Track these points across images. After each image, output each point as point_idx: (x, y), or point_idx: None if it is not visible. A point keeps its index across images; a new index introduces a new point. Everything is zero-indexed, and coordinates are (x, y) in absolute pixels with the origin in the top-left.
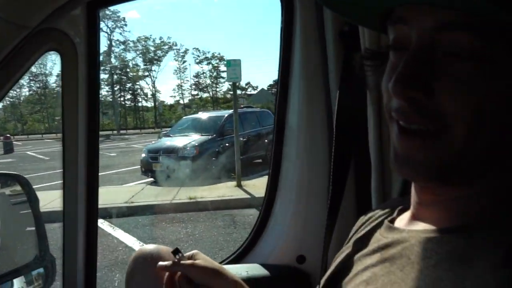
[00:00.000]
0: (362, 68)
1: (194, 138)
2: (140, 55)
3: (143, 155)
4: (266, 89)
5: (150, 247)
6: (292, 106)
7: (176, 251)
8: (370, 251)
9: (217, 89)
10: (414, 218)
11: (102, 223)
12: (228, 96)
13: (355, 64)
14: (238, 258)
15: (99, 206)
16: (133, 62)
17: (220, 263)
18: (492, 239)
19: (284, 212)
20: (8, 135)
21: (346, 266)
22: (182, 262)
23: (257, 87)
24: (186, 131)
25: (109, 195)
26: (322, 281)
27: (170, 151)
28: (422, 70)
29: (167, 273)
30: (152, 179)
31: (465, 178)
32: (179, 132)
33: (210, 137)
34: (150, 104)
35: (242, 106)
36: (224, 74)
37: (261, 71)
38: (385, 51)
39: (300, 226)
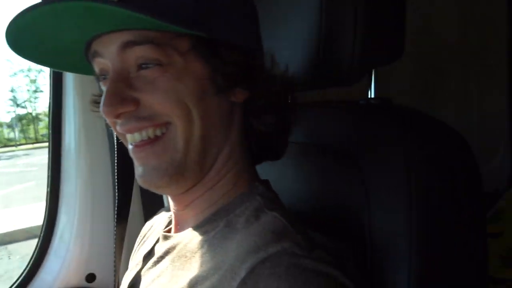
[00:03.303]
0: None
1: None
2: None
3: None
4: None
5: None
6: (68, 124)
7: None
8: (153, 263)
9: (36, 104)
10: (179, 222)
11: None
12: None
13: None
14: None
15: None
16: None
17: None
18: (238, 223)
19: (67, 232)
20: None
21: (136, 284)
22: None
23: None
24: None
25: None
26: None
27: None
28: (122, 88)
29: None
30: None
31: (197, 173)
32: None
33: None
34: None
35: None
36: (43, 88)
37: None
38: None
39: (87, 244)
